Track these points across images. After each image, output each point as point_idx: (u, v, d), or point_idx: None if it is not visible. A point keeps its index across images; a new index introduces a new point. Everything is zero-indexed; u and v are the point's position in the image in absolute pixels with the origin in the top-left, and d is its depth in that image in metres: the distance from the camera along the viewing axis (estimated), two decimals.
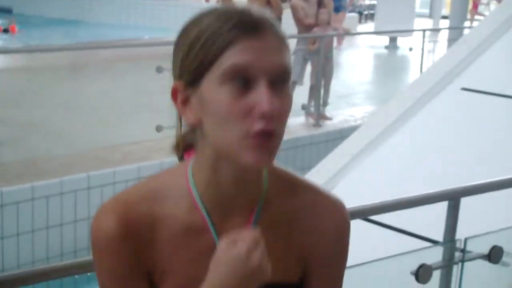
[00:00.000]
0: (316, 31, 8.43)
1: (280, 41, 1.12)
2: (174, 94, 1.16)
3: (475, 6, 21.34)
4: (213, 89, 1.10)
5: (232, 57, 1.08)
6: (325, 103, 8.54)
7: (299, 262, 1.24)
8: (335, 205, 1.25)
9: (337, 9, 13.21)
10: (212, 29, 1.10)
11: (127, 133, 7.19)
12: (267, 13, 1.14)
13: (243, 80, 1.08)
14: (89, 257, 1.31)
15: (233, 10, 1.12)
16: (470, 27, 11.52)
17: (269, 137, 1.09)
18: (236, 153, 1.10)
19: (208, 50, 1.10)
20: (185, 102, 1.15)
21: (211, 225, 1.18)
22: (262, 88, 1.08)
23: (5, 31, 17.15)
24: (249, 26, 1.10)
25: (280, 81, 1.10)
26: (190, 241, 1.19)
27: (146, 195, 1.20)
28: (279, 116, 1.10)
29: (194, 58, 1.11)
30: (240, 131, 1.09)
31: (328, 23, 8.57)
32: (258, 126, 1.08)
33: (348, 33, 9.47)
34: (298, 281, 1.24)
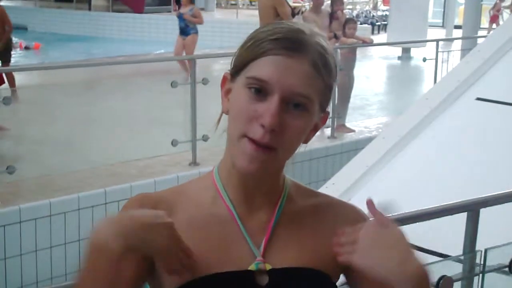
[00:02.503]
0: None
1: (313, 69, 1.17)
2: (223, 81, 1.25)
3: (495, 17, 21.20)
4: (239, 88, 1.19)
5: (256, 67, 1.17)
6: (340, 115, 8.54)
7: (334, 256, 1.24)
8: (351, 206, 1.34)
9: (186, 33, 12.20)
10: (259, 37, 1.19)
11: (143, 148, 7.23)
12: (318, 37, 1.20)
13: (259, 89, 1.16)
14: None
15: (288, 26, 1.19)
16: (484, 37, 11.49)
17: (263, 148, 1.15)
18: (233, 153, 1.20)
19: (247, 54, 1.19)
20: (227, 91, 1.24)
21: (236, 214, 1.23)
22: (272, 102, 1.14)
23: (26, 48, 17.35)
24: (287, 44, 1.16)
25: (295, 104, 1.16)
26: (212, 228, 1.23)
27: (173, 190, 1.29)
28: (281, 133, 1.15)
29: (238, 56, 1.21)
30: (240, 131, 1.16)
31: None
32: (253, 134, 1.15)
33: (369, 43, 9.50)
34: (333, 276, 1.26)
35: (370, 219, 1.27)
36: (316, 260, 1.24)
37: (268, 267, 1.20)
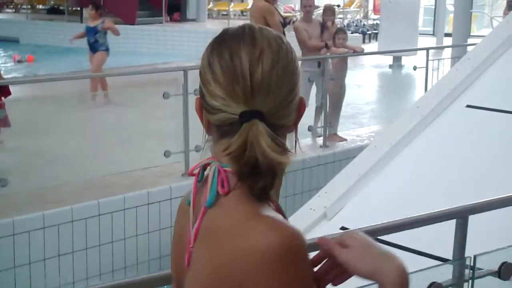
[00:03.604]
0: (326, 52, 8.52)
1: None
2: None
3: None
4: None
5: None
6: (332, 124, 8.57)
7: None
8: None
9: (95, 49, 10.91)
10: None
11: (136, 159, 7.24)
12: None
13: None
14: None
15: None
16: (473, 45, 11.57)
17: None
18: None
19: None
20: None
21: None
22: None
23: (19, 61, 17.38)
24: None
25: None
26: None
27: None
28: None
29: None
30: None
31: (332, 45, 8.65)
32: None
33: (359, 53, 9.55)
34: None
35: None
36: None
37: None
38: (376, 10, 26.10)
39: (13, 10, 28.21)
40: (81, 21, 22.37)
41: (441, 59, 11.47)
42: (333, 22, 9.08)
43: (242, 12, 26.01)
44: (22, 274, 5.55)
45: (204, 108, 1.25)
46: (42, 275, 5.66)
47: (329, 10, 9.18)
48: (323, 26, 8.78)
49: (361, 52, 9.83)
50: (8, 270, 5.47)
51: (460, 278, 2.57)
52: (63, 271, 5.78)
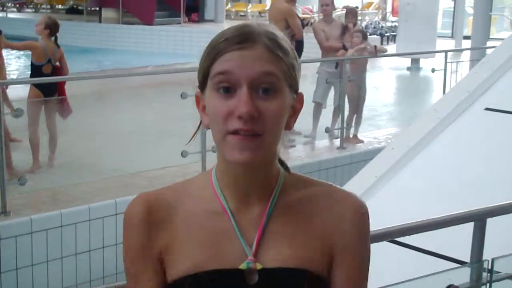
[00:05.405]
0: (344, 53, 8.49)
1: (268, 51, 1.22)
2: (197, 100, 1.31)
3: None
4: (209, 94, 1.24)
5: (218, 66, 1.22)
6: (349, 126, 8.55)
7: (324, 252, 1.27)
8: (349, 194, 1.33)
9: None
10: (212, 44, 1.25)
11: (153, 159, 7.26)
12: (266, 27, 1.26)
13: (227, 86, 1.21)
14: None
15: (235, 26, 1.26)
16: (493, 47, 11.49)
17: (250, 136, 1.19)
18: (222, 151, 1.24)
19: (206, 61, 1.25)
20: (203, 108, 1.29)
21: (228, 209, 1.27)
22: (242, 92, 1.19)
23: None
24: (238, 38, 1.22)
25: (264, 88, 1.21)
26: (206, 224, 1.27)
27: (174, 187, 1.36)
28: (260, 119, 1.20)
29: (200, 68, 1.27)
30: (221, 131, 1.22)
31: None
32: (234, 126, 1.20)
33: (379, 54, 9.51)
34: (323, 274, 1.26)
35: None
36: (307, 256, 1.24)
37: (259, 266, 1.22)
38: (394, 12, 26.04)
39: (33, 10, 28.42)
40: (100, 21, 22.52)
41: (460, 61, 11.42)
42: (354, 24, 9.04)
43: (260, 13, 26.03)
44: (40, 272, 5.58)
45: None
46: (59, 273, 5.69)
47: (350, 13, 9.16)
48: (345, 28, 8.75)
49: (381, 50, 9.76)
50: (26, 267, 5.50)
51: (477, 281, 2.56)
52: (80, 270, 5.81)
